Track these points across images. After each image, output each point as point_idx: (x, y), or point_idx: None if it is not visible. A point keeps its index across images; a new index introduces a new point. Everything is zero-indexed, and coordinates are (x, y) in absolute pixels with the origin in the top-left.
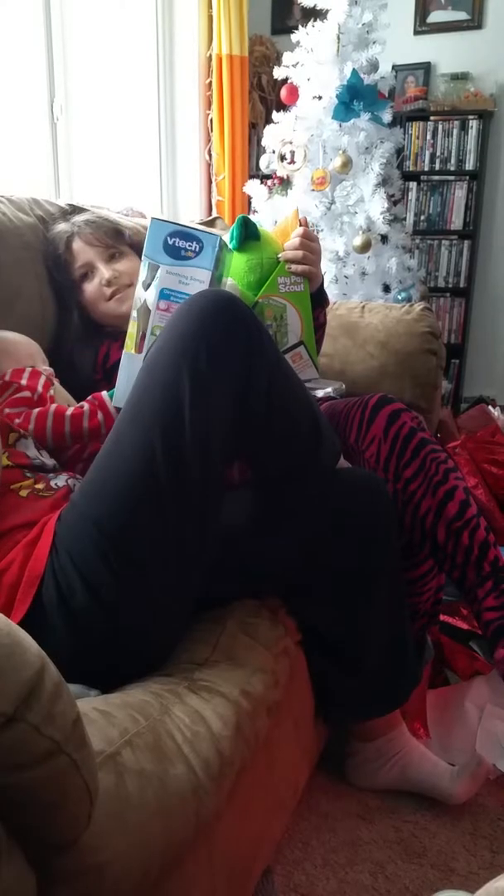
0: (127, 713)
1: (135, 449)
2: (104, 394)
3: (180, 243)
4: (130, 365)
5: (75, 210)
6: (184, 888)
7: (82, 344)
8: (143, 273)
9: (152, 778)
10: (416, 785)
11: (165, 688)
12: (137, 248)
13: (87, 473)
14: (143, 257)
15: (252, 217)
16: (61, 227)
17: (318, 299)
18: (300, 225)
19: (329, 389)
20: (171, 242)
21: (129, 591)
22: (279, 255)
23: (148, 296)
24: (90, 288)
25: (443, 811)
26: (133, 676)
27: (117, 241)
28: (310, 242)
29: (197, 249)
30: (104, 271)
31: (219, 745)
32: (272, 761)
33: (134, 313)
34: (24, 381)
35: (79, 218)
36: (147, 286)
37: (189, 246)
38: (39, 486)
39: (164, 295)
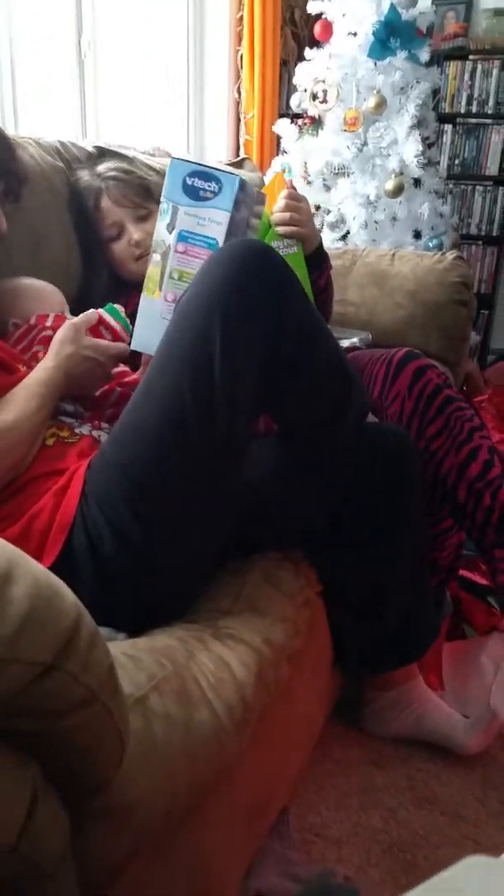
0: (154, 658)
1: (164, 397)
2: (102, 313)
3: (199, 183)
4: (150, 308)
5: (103, 153)
6: (205, 825)
7: (111, 299)
8: (166, 215)
9: (178, 722)
10: (430, 735)
11: (191, 634)
12: None
13: (117, 421)
14: (162, 198)
15: (282, 157)
16: (88, 179)
17: (317, 262)
18: (286, 188)
19: (355, 339)
20: (190, 183)
21: (155, 538)
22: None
23: (171, 239)
24: (119, 247)
25: (455, 761)
26: (158, 622)
27: (146, 199)
28: (296, 203)
29: (216, 190)
30: (133, 232)
31: (242, 692)
32: (290, 706)
33: (157, 256)
34: (48, 323)
35: (105, 168)
36: (171, 229)
37: (208, 186)
38: (64, 433)
39: (182, 237)
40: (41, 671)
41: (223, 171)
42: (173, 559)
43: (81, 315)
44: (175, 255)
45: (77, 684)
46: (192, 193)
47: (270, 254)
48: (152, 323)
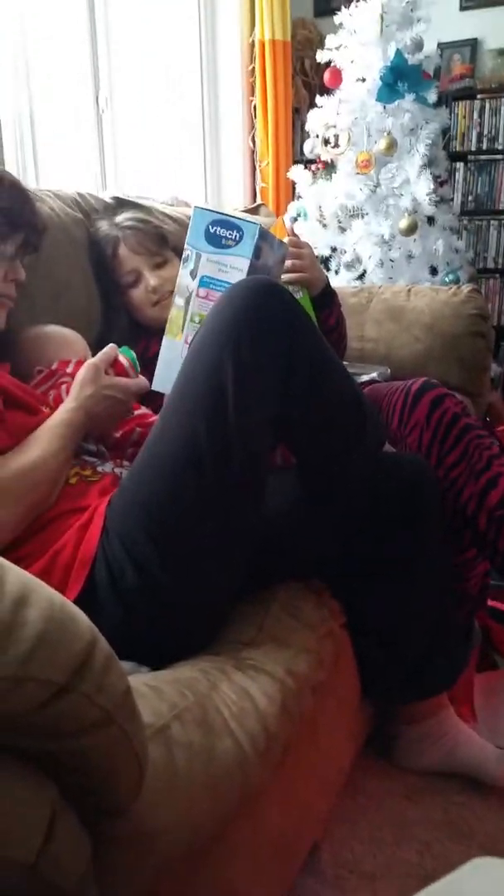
0: (176, 689)
1: (180, 435)
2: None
3: (221, 232)
4: (170, 351)
5: (121, 204)
6: (228, 859)
7: (130, 344)
8: (190, 261)
9: (200, 751)
10: (463, 767)
11: (213, 665)
12: (179, 253)
13: (135, 459)
14: (185, 245)
15: (297, 202)
16: (106, 229)
17: (325, 302)
18: (287, 235)
19: (374, 374)
20: (212, 231)
21: (175, 573)
22: None
23: (193, 285)
24: (136, 294)
25: (490, 794)
26: (181, 655)
27: (161, 247)
28: (298, 250)
29: (237, 238)
30: (150, 279)
31: (265, 722)
32: (316, 741)
33: (180, 301)
34: (69, 369)
35: (123, 218)
36: (194, 275)
37: (229, 234)
38: (86, 472)
39: (203, 283)
40: (55, 691)
41: (244, 220)
42: (193, 592)
43: (100, 353)
44: (197, 299)
45: (91, 705)
46: (215, 241)
47: (279, 290)
48: (173, 364)
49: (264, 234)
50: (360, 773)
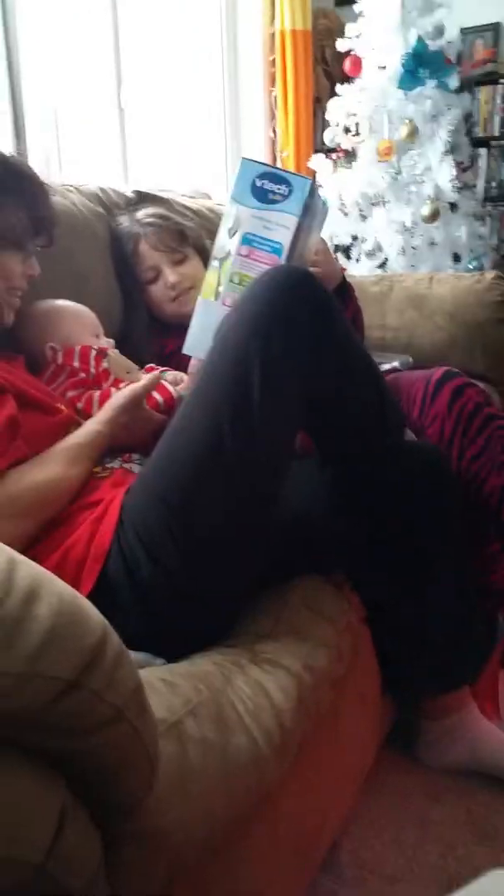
0: (190, 683)
1: (203, 426)
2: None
3: (269, 185)
4: (205, 313)
5: (142, 199)
6: (248, 859)
7: (149, 338)
8: (229, 219)
9: (214, 747)
10: (487, 765)
11: (228, 659)
12: (199, 249)
13: (154, 449)
14: (229, 200)
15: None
16: (127, 225)
17: (341, 297)
18: None
19: (395, 363)
20: (259, 184)
21: (193, 565)
22: None
23: (232, 244)
24: (156, 290)
25: None
26: (197, 646)
27: (181, 244)
28: None
29: (286, 193)
30: (169, 276)
31: (280, 718)
32: (337, 736)
33: (215, 262)
34: (76, 363)
35: (144, 214)
36: (233, 233)
37: (278, 189)
38: (96, 469)
39: (246, 240)
40: (64, 688)
41: (294, 174)
42: (210, 585)
43: (146, 380)
44: (238, 258)
45: (101, 702)
46: (261, 196)
47: (312, 283)
48: (208, 327)
49: (313, 190)
50: (381, 770)
